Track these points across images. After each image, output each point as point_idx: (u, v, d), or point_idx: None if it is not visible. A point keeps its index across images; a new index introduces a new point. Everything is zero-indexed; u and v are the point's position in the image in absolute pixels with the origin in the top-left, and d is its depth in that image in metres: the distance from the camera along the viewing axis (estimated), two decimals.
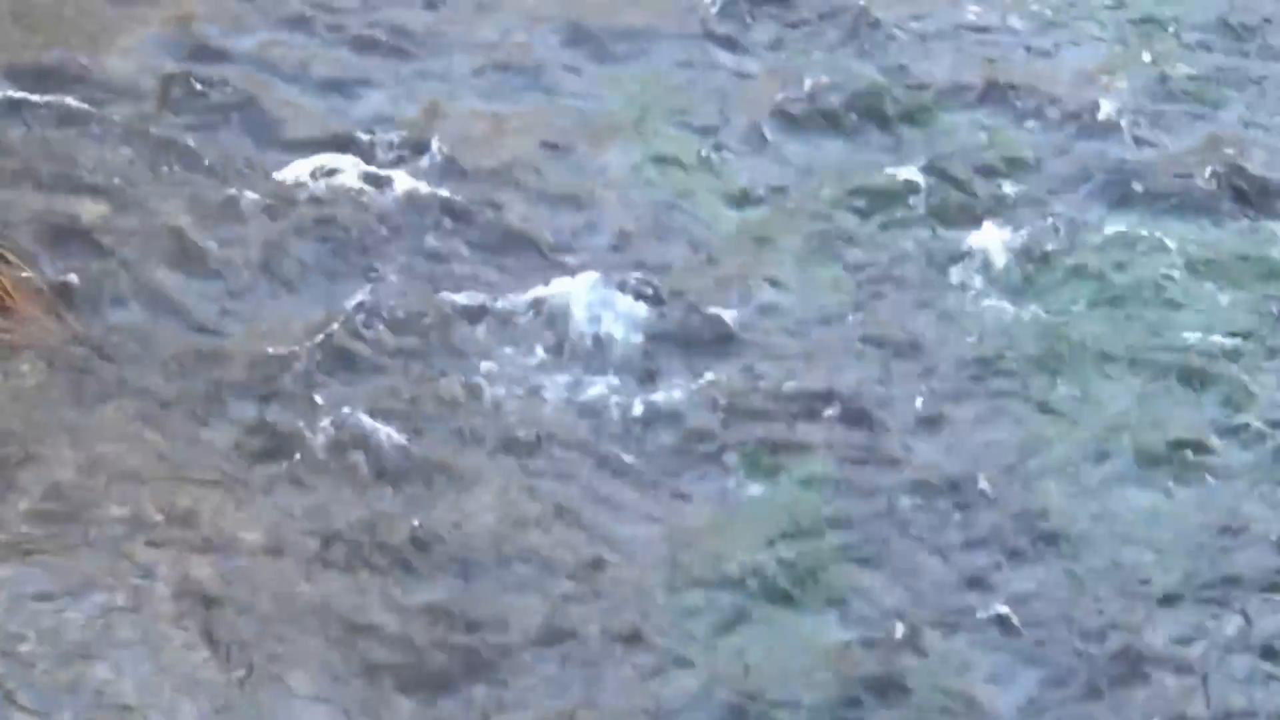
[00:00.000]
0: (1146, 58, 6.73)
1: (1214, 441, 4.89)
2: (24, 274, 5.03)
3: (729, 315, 5.27)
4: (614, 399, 4.95)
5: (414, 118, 6.03)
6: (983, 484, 4.70)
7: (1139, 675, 4.26)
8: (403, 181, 5.67)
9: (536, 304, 5.23)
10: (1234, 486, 4.78)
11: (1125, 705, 4.20)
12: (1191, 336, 5.28)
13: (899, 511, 4.62)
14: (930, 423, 4.94)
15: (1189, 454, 4.84)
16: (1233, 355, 5.22)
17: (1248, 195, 5.95)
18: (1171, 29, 6.92)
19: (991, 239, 5.61)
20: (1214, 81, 6.63)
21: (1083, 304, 5.43)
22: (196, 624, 4.10)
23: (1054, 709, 4.19)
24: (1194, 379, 5.13)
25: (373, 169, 5.72)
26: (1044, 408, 5.01)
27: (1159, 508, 4.69)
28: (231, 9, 6.49)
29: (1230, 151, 6.13)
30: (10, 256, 5.05)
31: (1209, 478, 4.79)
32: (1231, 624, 4.42)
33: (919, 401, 5.00)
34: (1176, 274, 5.55)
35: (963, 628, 4.34)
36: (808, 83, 6.36)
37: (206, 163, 5.71)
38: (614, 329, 5.18)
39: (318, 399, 4.84)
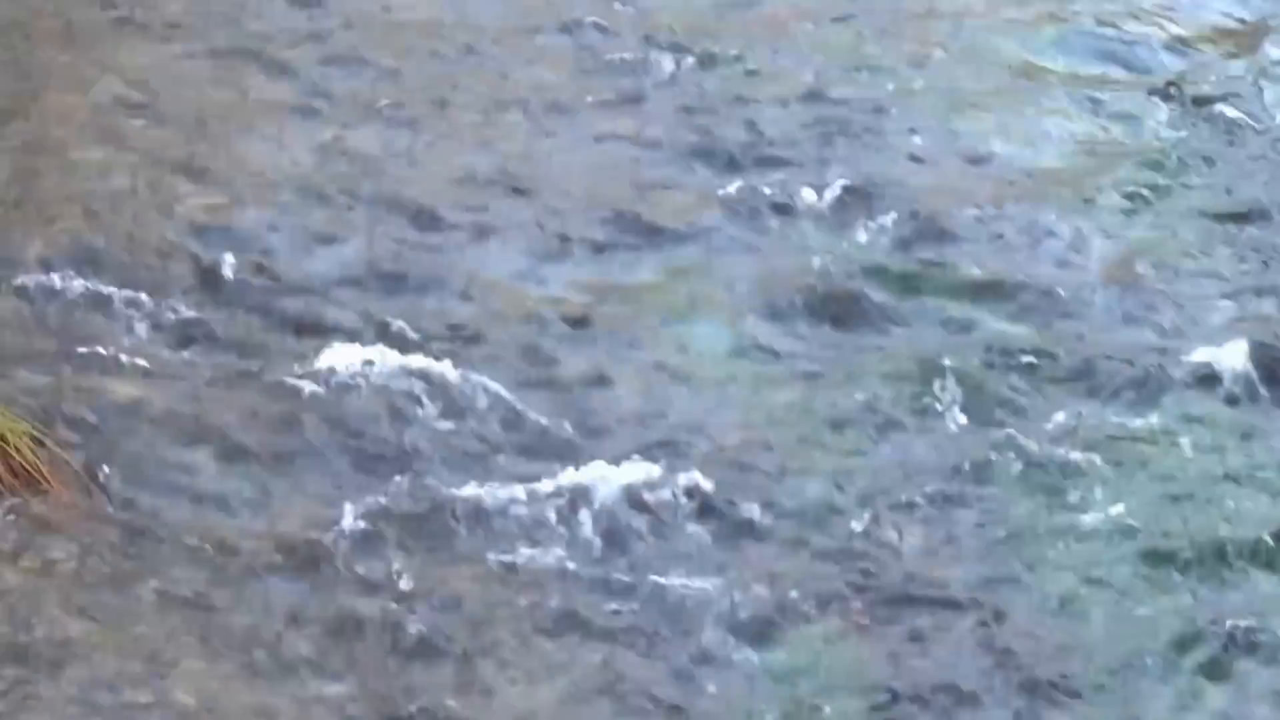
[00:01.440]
0: (1174, 244, 6.74)
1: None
2: (59, 456, 5.06)
3: (758, 508, 5.25)
4: (639, 589, 4.93)
5: (444, 303, 6.07)
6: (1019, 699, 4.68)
7: None
8: (432, 367, 5.68)
9: (562, 492, 5.21)
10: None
11: None
12: (1234, 538, 5.21)
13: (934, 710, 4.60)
14: (962, 629, 4.91)
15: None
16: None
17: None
18: (1197, 216, 6.92)
19: (1029, 436, 5.58)
20: (1244, 261, 6.65)
21: (1112, 506, 5.34)
22: None
23: None
24: (1242, 582, 5.08)
25: (402, 355, 5.73)
26: (1085, 617, 4.97)
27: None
28: (264, 199, 6.56)
29: (1261, 337, 6.07)
30: (45, 439, 5.08)
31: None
32: None
33: (955, 601, 4.98)
34: (1213, 473, 5.51)
35: None
36: (844, 271, 6.38)
37: (238, 348, 5.75)
38: (642, 519, 5.17)
39: (347, 584, 4.84)
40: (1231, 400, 5.85)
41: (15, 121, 6.89)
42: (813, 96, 7.51)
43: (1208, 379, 5.90)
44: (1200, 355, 5.98)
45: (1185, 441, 5.60)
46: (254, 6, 7.90)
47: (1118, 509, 5.28)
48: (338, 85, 7.37)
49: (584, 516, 5.15)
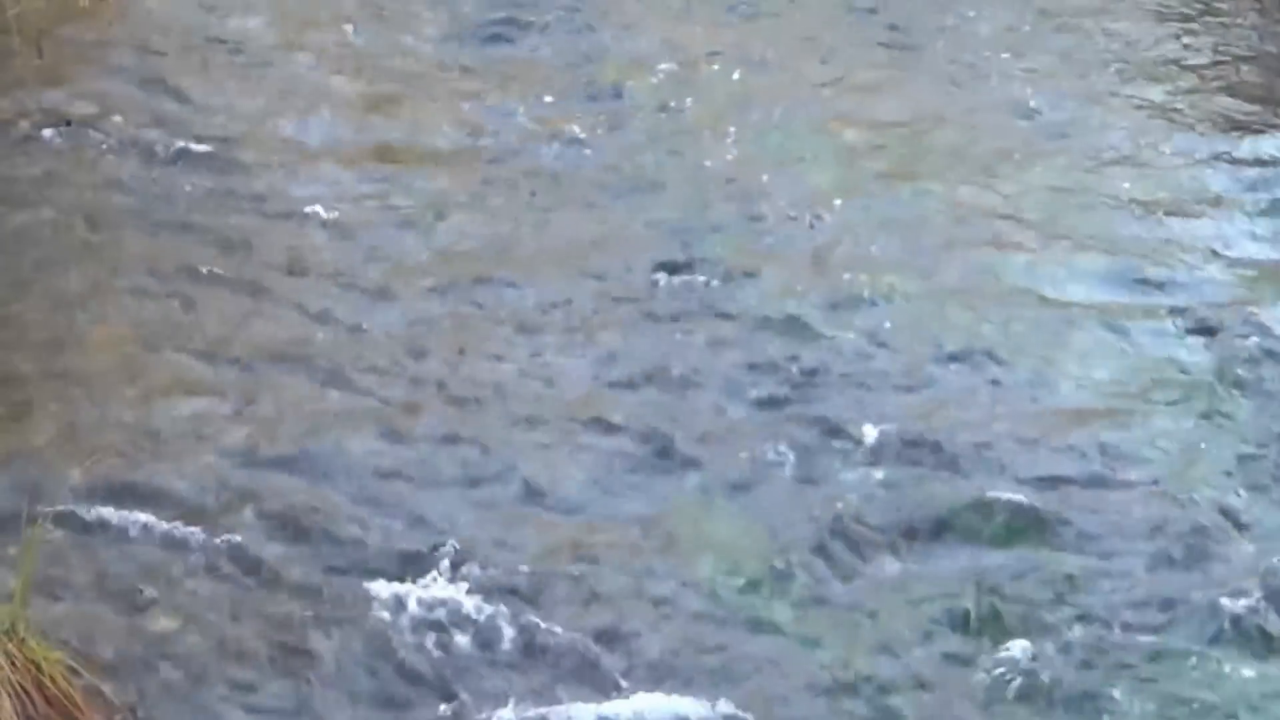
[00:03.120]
0: (1214, 481, 6.69)
1: None
2: (94, 686, 5.04)
3: None
4: None
5: (480, 536, 6.06)
6: None
7: None
8: (468, 600, 5.69)
9: None
10: None
11: None
12: None
13: None
14: None
15: None
16: None
17: None
18: (1236, 453, 6.86)
19: (1043, 657, 5.58)
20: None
21: None
22: None
23: None
24: None
25: (438, 587, 5.75)
26: None
27: None
28: (304, 431, 6.59)
29: None
30: (81, 669, 5.07)
31: None
32: None
33: None
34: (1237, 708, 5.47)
35: None
36: (883, 507, 6.37)
37: (275, 581, 5.76)
38: None
39: None
40: (1260, 633, 5.80)
41: (57, 352, 6.95)
42: (849, 331, 7.55)
43: (1234, 611, 5.85)
44: (1241, 593, 5.94)
45: (1203, 676, 5.58)
46: (298, 243, 7.98)
47: None
48: (378, 317, 7.44)
49: None
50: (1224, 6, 10.70)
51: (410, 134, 9.08)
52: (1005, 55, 10.27)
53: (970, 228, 8.47)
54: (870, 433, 6.75)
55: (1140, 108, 9.72)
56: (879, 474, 6.59)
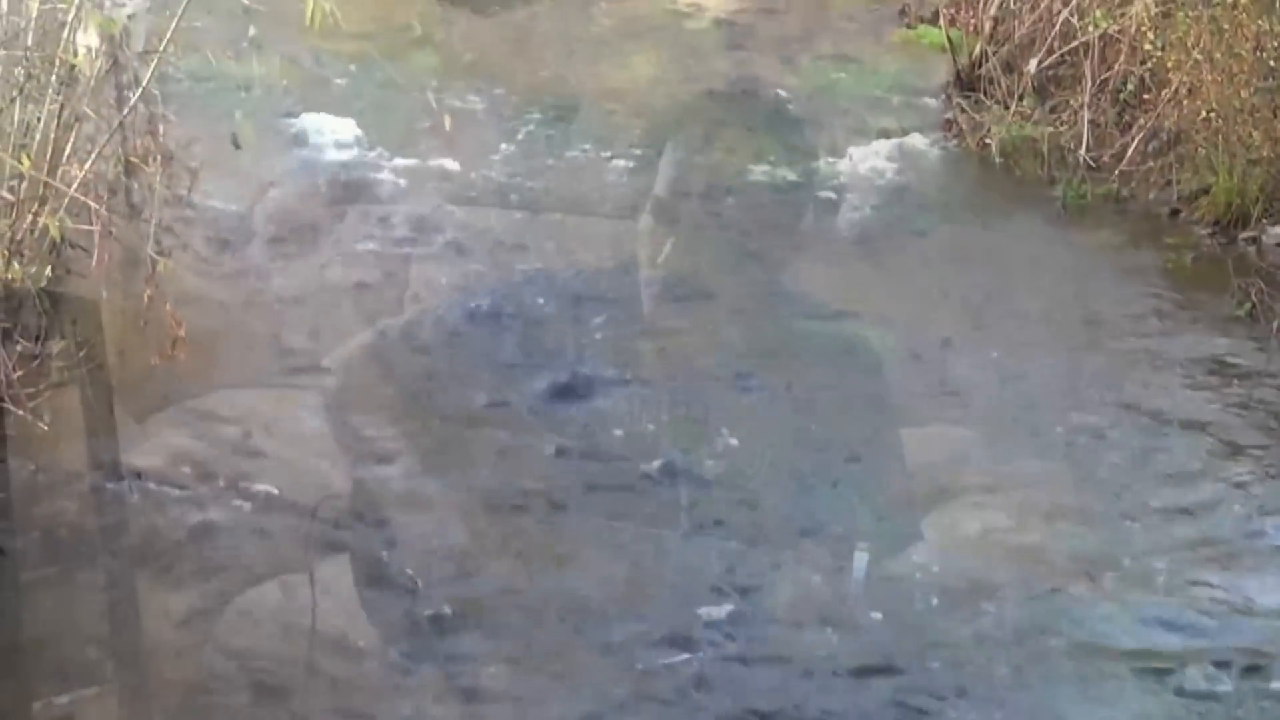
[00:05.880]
0: None
1: None
2: None
3: None
4: None
5: None
6: None
7: None
8: None
9: None
10: None
11: None
12: None
13: None
14: None
15: None
16: None
17: None
18: None
19: None
20: None
21: None
22: None
23: None
24: None
25: None
26: None
27: None
28: None
29: None
30: None
31: None
32: None
33: None
34: None
35: None
36: None
37: None
38: None
39: None
40: None
41: (122, 700, 7.13)
42: (884, 672, 7.65)
43: None
44: None
45: None
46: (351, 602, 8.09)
47: None
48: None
49: None
50: (1253, 366, 10.83)
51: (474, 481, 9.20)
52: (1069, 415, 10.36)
53: (1013, 570, 8.57)
54: None
55: (1180, 459, 9.81)
56: None
